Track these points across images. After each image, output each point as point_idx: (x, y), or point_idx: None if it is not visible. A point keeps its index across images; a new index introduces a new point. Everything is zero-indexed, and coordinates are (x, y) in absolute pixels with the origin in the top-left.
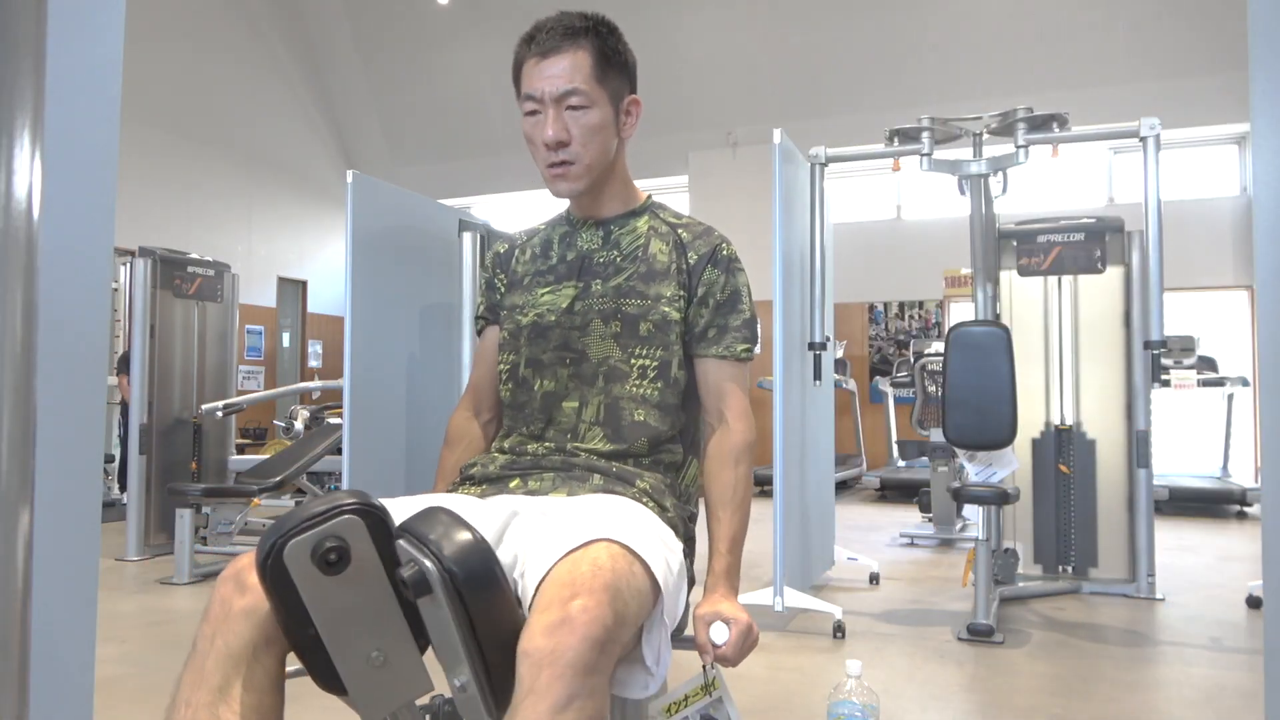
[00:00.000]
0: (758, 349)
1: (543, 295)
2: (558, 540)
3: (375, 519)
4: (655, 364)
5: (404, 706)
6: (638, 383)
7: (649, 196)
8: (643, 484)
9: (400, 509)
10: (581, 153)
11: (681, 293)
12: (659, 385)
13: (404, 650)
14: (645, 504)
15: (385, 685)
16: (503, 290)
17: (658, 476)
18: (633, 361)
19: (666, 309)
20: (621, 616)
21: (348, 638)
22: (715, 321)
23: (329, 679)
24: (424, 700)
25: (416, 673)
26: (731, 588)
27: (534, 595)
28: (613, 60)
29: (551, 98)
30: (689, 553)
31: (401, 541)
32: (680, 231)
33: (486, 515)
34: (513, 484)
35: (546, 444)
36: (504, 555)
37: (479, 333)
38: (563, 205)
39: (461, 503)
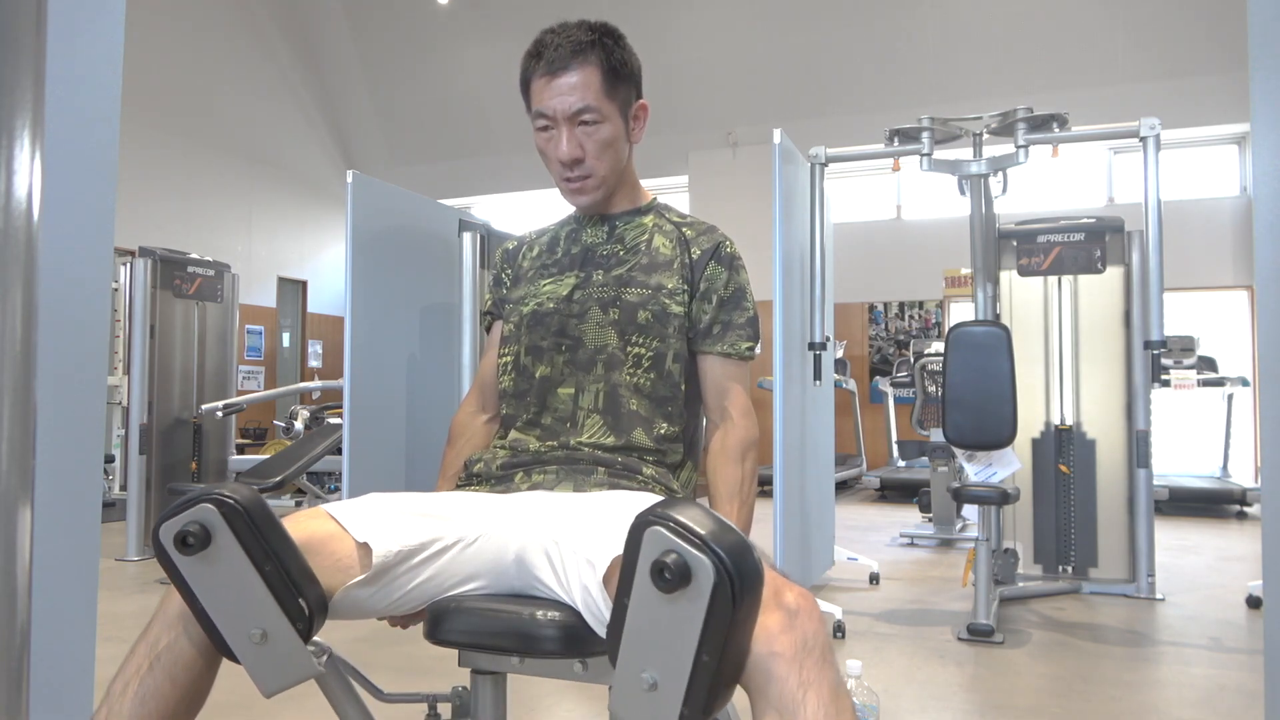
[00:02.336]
0: (759, 349)
1: (545, 285)
2: (615, 531)
3: (232, 509)
4: (650, 354)
5: (328, 680)
6: (632, 371)
7: (655, 197)
8: (649, 471)
9: (402, 505)
10: (597, 166)
11: (684, 287)
12: (652, 376)
13: (281, 632)
14: (655, 490)
15: (271, 661)
16: (508, 285)
17: (662, 470)
18: (629, 350)
19: (667, 301)
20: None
21: (227, 614)
22: (719, 318)
23: (228, 650)
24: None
25: (298, 653)
26: None
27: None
28: (620, 72)
29: (564, 116)
30: None
31: (659, 529)
32: (684, 229)
33: (504, 511)
34: (517, 478)
35: (548, 442)
36: (534, 550)
37: (486, 329)
38: (569, 206)
39: (473, 499)
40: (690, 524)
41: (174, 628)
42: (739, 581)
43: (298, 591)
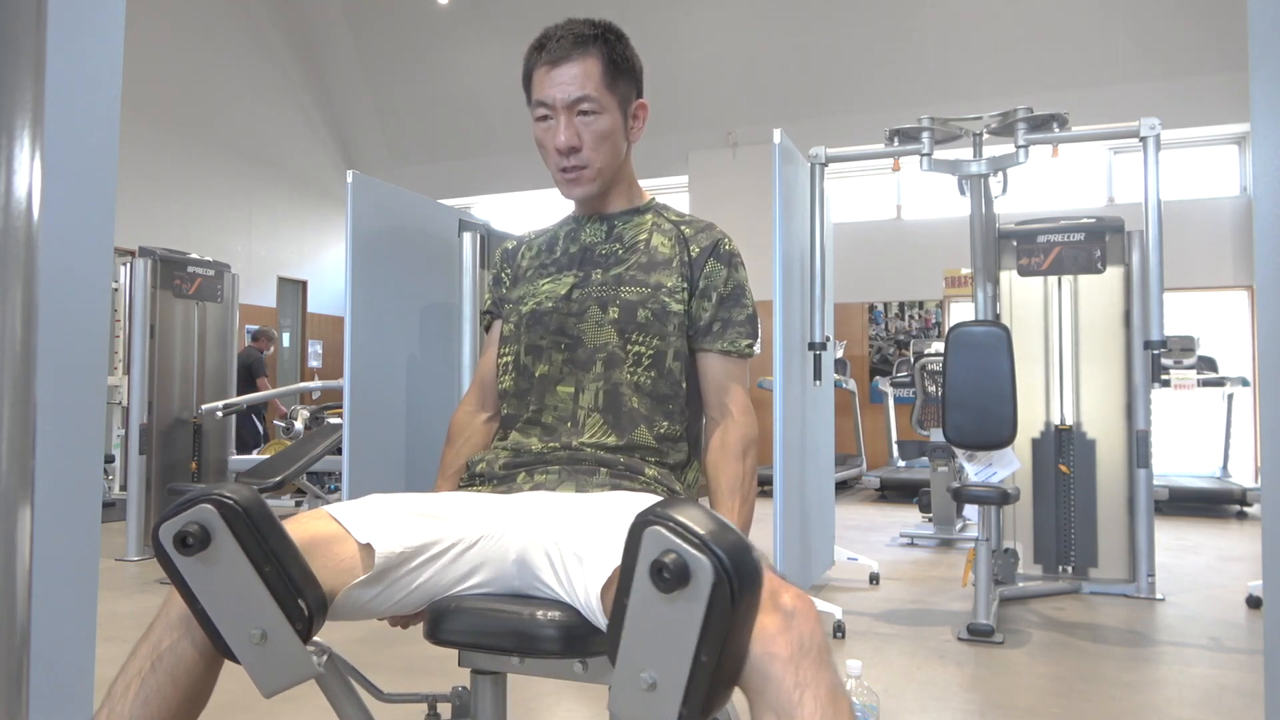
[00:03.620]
0: (758, 347)
1: (543, 285)
2: (615, 540)
3: (231, 510)
4: (650, 352)
5: (328, 680)
6: (632, 369)
7: (653, 197)
8: (651, 472)
9: (404, 505)
10: (593, 157)
11: (683, 285)
12: (652, 374)
13: (281, 633)
14: (657, 491)
15: (270, 662)
16: (508, 285)
17: (664, 470)
18: (629, 348)
19: (666, 299)
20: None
21: (226, 614)
22: (719, 315)
23: (229, 651)
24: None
25: (298, 654)
26: None
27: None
28: (621, 67)
29: (563, 104)
30: None
31: (658, 528)
32: (683, 227)
33: (506, 511)
34: (519, 478)
35: (550, 443)
36: (535, 550)
37: (485, 328)
38: (568, 207)
39: (474, 499)
40: (690, 524)
41: (176, 629)
42: (738, 582)
43: (297, 592)
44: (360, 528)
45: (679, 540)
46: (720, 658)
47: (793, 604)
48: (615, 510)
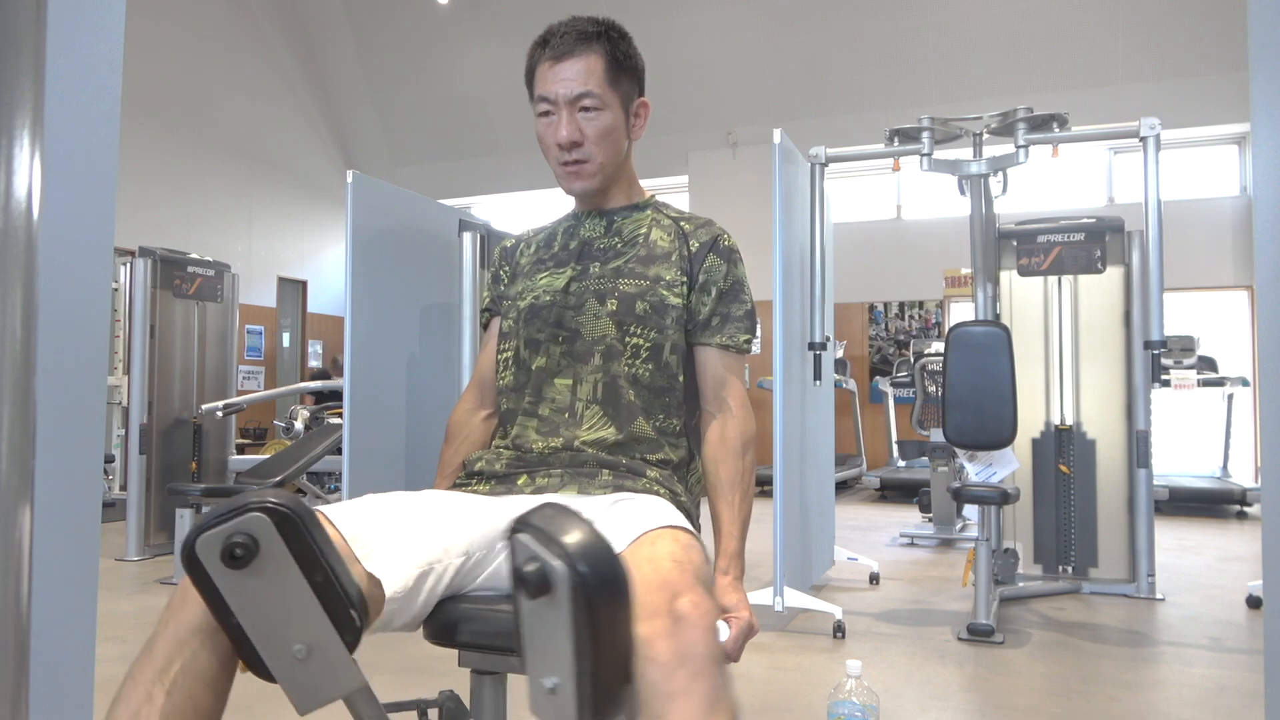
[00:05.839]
0: (756, 344)
1: (541, 279)
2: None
3: (285, 518)
4: (648, 345)
5: (358, 694)
6: (630, 361)
7: (653, 195)
8: (653, 473)
9: (405, 517)
10: (594, 153)
11: (683, 279)
12: (650, 367)
13: (328, 646)
14: (658, 493)
15: (312, 678)
16: (506, 282)
17: (666, 471)
18: (627, 340)
19: (665, 292)
20: (714, 602)
21: (268, 630)
22: (719, 310)
23: (261, 668)
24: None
25: (344, 668)
26: (740, 571)
27: None
28: (624, 64)
29: (565, 100)
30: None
31: (522, 537)
32: (683, 223)
33: (508, 515)
34: (520, 481)
35: (551, 440)
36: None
37: (484, 325)
38: (568, 205)
39: (476, 505)
40: (550, 531)
41: (188, 643)
42: (594, 587)
43: (350, 603)
44: (368, 553)
45: (540, 548)
46: (597, 662)
47: (685, 611)
48: (603, 515)
